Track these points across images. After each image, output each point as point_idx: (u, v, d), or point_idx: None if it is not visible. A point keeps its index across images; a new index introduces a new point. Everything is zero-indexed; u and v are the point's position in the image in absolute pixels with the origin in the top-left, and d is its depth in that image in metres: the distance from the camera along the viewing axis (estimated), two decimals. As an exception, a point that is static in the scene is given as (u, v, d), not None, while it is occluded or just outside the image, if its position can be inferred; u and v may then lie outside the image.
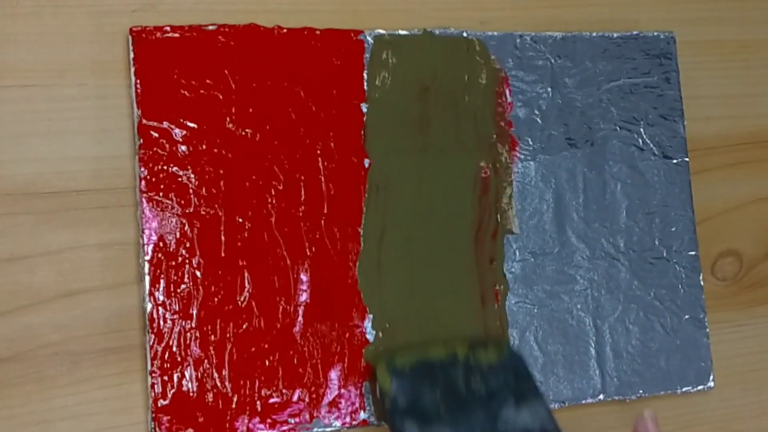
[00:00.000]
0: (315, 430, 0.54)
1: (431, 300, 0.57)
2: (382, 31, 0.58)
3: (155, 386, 0.52)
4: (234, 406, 0.53)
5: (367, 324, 0.56)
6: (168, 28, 0.54)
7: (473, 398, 0.53)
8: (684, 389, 0.61)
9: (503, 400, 0.53)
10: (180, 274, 0.53)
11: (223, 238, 0.54)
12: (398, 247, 0.57)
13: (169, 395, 0.52)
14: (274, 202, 0.55)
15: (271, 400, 0.53)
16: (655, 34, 0.64)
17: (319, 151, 0.56)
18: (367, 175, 0.57)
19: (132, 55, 0.53)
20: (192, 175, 0.54)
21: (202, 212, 0.54)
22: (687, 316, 0.62)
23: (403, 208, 0.57)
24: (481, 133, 0.59)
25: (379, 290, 0.56)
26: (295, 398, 0.54)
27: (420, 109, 0.58)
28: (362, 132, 0.57)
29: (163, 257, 0.53)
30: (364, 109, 0.57)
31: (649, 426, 0.53)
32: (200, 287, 0.53)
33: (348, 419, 0.55)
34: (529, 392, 0.54)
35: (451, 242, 0.58)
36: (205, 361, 0.53)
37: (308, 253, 0.55)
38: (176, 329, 0.52)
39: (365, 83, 0.57)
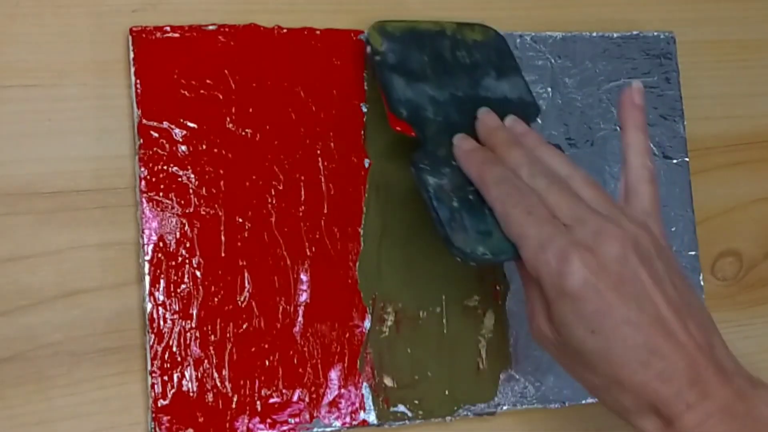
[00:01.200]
0: (315, 430, 0.54)
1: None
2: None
3: (155, 386, 0.52)
4: (234, 406, 0.53)
5: (367, 324, 0.56)
6: (168, 28, 0.54)
7: (457, 65, 0.56)
8: (684, 389, 0.61)
9: (485, 71, 0.57)
10: (180, 274, 0.53)
11: (223, 238, 0.54)
12: (398, 247, 0.57)
13: (169, 395, 0.52)
14: (274, 202, 0.55)
15: (271, 400, 0.53)
16: (655, 34, 0.64)
17: (319, 151, 0.56)
18: (367, 175, 0.57)
19: (132, 55, 0.54)
20: (192, 175, 0.54)
21: (202, 212, 0.54)
22: (687, 316, 0.62)
23: (403, 208, 0.57)
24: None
25: (379, 290, 0.56)
26: (295, 398, 0.54)
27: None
28: (362, 132, 0.57)
29: (163, 257, 0.53)
30: (364, 109, 0.57)
31: (635, 97, 0.51)
32: (200, 287, 0.53)
33: (348, 419, 0.55)
34: (510, 69, 0.57)
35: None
36: (205, 361, 0.53)
37: (308, 253, 0.55)
38: (176, 329, 0.52)
39: (365, 83, 0.58)
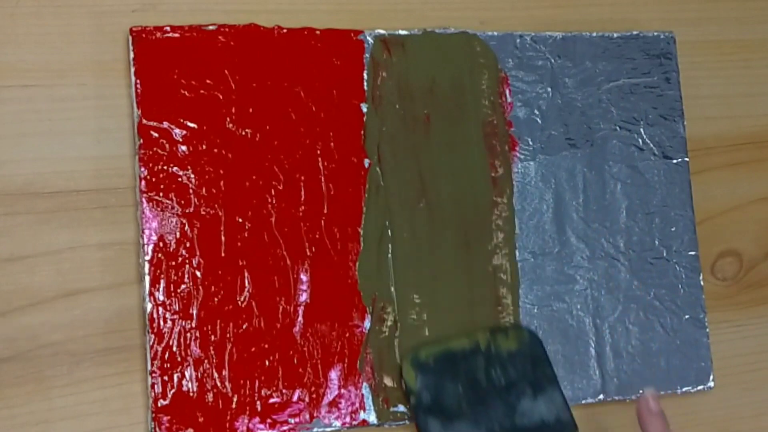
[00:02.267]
0: (315, 430, 0.54)
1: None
2: (382, 31, 0.58)
3: (155, 386, 0.52)
4: (234, 406, 0.53)
5: (367, 324, 0.56)
6: (168, 28, 0.54)
7: (493, 390, 0.55)
8: (684, 389, 0.61)
9: (521, 390, 0.55)
10: (180, 274, 0.53)
11: (223, 238, 0.54)
12: (398, 247, 0.57)
13: (169, 395, 0.52)
14: (274, 202, 0.55)
15: (271, 400, 0.53)
16: (655, 34, 0.64)
17: (319, 151, 0.56)
18: (367, 175, 0.57)
19: (132, 55, 0.54)
20: (192, 175, 0.54)
21: (202, 212, 0.54)
22: (687, 316, 0.62)
23: (403, 208, 0.57)
24: (482, 132, 0.59)
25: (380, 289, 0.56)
26: (295, 398, 0.54)
27: (420, 109, 0.58)
28: (362, 132, 0.57)
29: (163, 257, 0.53)
30: (364, 109, 0.57)
31: (651, 404, 0.54)
32: (200, 287, 0.53)
33: (348, 419, 0.55)
34: (545, 380, 0.56)
35: (453, 241, 0.58)
36: (205, 361, 0.53)
37: (308, 253, 0.55)
38: (176, 329, 0.52)
39: (365, 83, 0.57)
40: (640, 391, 0.54)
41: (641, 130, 0.63)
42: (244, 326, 0.53)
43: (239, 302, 0.54)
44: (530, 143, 0.60)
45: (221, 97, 0.55)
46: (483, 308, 0.58)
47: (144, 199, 0.53)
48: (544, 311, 0.59)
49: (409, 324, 0.57)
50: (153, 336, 0.52)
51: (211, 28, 0.55)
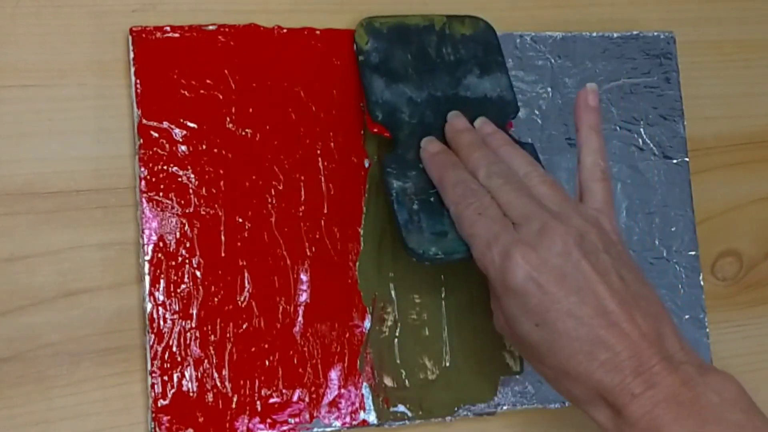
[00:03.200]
0: (315, 430, 0.54)
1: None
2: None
3: (155, 386, 0.52)
4: (234, 406, 0.53)
5: (367, 324, 0.56)
6: (168, 28, 0.54)
7: (441, 63, 0.57)
8: (684, 389, 0.61)
9: (468, 68, 0.57)
10: (180, 274, 0.53)
11: (223, 238, 0.54)
12: (398, 247, 0.57)
13: (169, 395, 0.52)
14: (274, 202, 0.55)
15: (271, 400, 0.53)
16: (655, 34, 0.64)
17: (319, 151, 0.56)
18: (367, 175, 0.57)
19: (132, 55, 0.54)
20: (192, 175, 0.54)
21: (202, 212, 0.54)
22: (687, 316, 0.62)
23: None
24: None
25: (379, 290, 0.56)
26: (295, 398, 0.54)
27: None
28: (362, 132, 0.57)
29: (163, 257, 0.53)
30: (365, 110, 0.57)
31: (590, 98, 0.53)
32: (200, 287, 0.53)
33: (348, 419, 0.55)
34: (494, 64, 0.58)
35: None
36: (205, 361, 0.53)
37: (308, 253, 0.55)
38: (176, 329, 0.52)
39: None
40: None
41: (641, 130, 0.63)
42: (244, 326, 0.53)
43: (239, 302, 0.54)
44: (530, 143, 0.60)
45: (221, 97, 0.55)
46: (481, 305, 0.58)
47: (144, 199, 0.53)
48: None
49: (409, 324, 0.57)
50: (153, 336, 0.52)
51: (211, 28, 0.55)
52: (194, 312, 0.53)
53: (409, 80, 0.56)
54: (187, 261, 0.53)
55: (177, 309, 0.53)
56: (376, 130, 0.55)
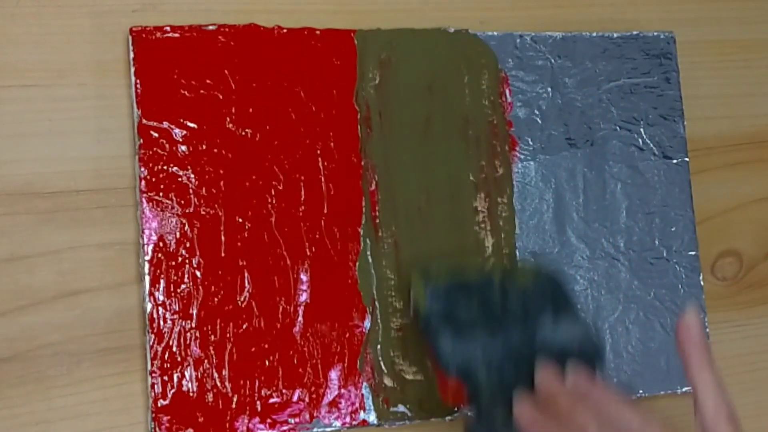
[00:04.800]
0: (315, 430, 0.54)
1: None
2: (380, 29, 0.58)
3: (155, 386, 0.52)
4: (234, 406, 0.53)
5: (367, 324, 0.56)
6: (168, 28, 0.54)
7: (509, 316, 0.52)
8: (684, 389, 0.61)
9: (541, 317, 0.52)
10: (180, 274, 0.53)
11: (223, 238, 0.54)
12: (399, 247, 0.57)
13: (169, 395, 0.52)
14: (274, 202, 0.55)
15: (271, 400, 0.53)
16: (655, 34, 0.64)
17: (319, 151, 0.56)
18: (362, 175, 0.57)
19: (132, 55, 0.54)
20: (192, 175, 0.54)
21: (202, 212, 0.54)
22: (687, 316, 0.62)
23: (404, 208, 0.57)
24: (481, 132, 0.59)
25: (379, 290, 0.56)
26: (295, 398, 0.54)
27: (420, 109, 0.58)
28: (361, 133, 0.57)
29: (163, 257, 0.53)
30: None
31: (693, 332, 0.47)
32: (200, 287, 0.53)
33: (348, 419, 0.55)
34: (567, 309, 0.53)
35: (453, 242, 0.58)
36: (205, 361, 0.53)
37: (308, 253, 0.55)
38: (176, 329, 0.52)
39: (364, 83, 0.57)
40: (685, 311, 0.47)
41: (641, 130, 0.63)
42: (244, 326, 0.53)
43: (239, 302, 0.54)
44: (530, 143, 0.60)
45: (221, 97, 0.55)
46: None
47: (144, 199, 0.53)
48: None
49: (409, 324, 0.56)
50: (153, 336, 0.52)
51: (211, 28, 0.55)
52: (194, 312, 0.53)
53: (480, 329, 0.51)
54: (187, 261, 0.53)
55: (177, 309, 0.53)
56: (450, 396, 0.52)
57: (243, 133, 0.55)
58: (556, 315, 0.52)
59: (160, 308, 0.52)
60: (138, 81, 0.53)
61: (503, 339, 0.51)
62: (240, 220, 0.54)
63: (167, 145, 0.53)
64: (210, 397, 0.52)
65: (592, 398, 0.49)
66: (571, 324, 0.52)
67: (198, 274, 0.53)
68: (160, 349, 0.52)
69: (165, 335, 0.52)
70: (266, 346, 0.54)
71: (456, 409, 0.53)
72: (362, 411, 0.55)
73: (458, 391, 0.51)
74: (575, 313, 0.53)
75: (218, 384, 0.53)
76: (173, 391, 0.52)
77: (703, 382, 0.46)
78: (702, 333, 0.47)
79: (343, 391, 0.55)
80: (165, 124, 0.54)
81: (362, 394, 0.55)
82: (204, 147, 0.54)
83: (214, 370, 0.53)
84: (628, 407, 0.48)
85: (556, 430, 0.48)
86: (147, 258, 0.52)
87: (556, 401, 0.49)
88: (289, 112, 0.56)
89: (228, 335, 0.53)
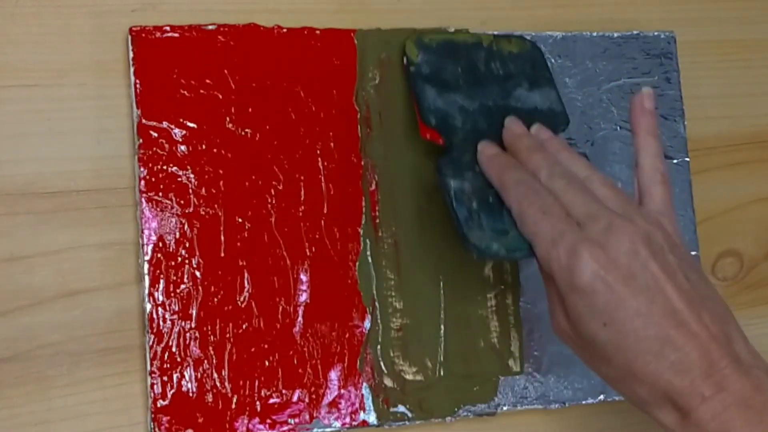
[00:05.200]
0: (315, 430, 0.54)
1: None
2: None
3: (155, 386, 0.52)
4: (234, 406, 0.53)
5: (367, 324, 0.56)
6: (168, 28, 0.54)
7: (491, 76, 0.57)
8: (684, 389, 0.61)
9: (518, 82, 0.57)
10: (180, 274, 0.53)
11: (222, 238, 0.54)
12: (399, 248, 0.57)
13: (169, 395, 0.52)
14: (274, 202, 0.55)
15: (271, 401, 0.53)
16: (655, 34, 0.64)
17: (319, 151, 0.56)
18: (362, 178, 0.57)
19: (132, 55, 0.54)
20: (192, 175, 0.54)
21: (202, 212, 0.54)
22: (687, 316, 0.62)
23: (405, 209, 0.57)
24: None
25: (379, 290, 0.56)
26: (295, 398, 0.54)
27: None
28: (361, 133, 0.57)
29: (162, 257, 0.53)
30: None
31: (645, 102, 0.53)
32: (200, 287, 0.53)
33: (348, 419, 0.55)
34: (543, 80, 0.58)
35: (453, 242, 0.58)
36: (205, 361, 0.53)
37: (308, 253, 0.55)
38: (176, 329, 0.52)
39: (364, 83, 0.57)
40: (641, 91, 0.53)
41: (641, 130, 0.63)
42: (244, 326, 0.53)
43: (239, 302, 0.54)
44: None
45: (221, 97, 0.55)
46: (482, 306, 0.58)
47: (144, 199, 0.53)
48: (545, 311, 0.59)
49: (409, 324, 0.56)
50: (153, 336, 0.52)
51: (211, 28, 0.55)
52: (194, 312, 0.53)
53: (461, 90, 0.56)
54: (186, 261, 0.53)
55: (177, 309, 0.53)
56: (428, 136, 0.55)
57: (243, 133, 0.55)
58: (533, 81, 0.58)
59: (159, 308, 0.52)
60: (138, 81, 0.53)
61: (481, 95, 0.56)
62: (240, 220, 0.54)
63: (167, 145, 0.53)
64: (210, 397, 0.52)
65: (549, 148, 0.53)
66: (544, 90, 0.58)
67: (198, 274, 0.53)
68: (159, 349, 0.52)
69: (165, 335, 0.52)
70: (266, 346, 0.54)
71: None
72: (362, 411, 0.55)
73: (435, 137, 0.55)
74: (551, 83, 0.58)
75: (218, 384, 0.53)
76: (173, 391, 0.52)
77: (646, 147, 0.52)
78: (653, 106, 0.52)
79: (343, 391, 0.55)
80: (164, 124, 0.54)
81: (362, 395, 0.55)
82: (204, 147, 0.54)
83: (213, 371, 0.53)
84: (579, 158, 0.52)
85: (512, 165, 0.52)
86: (147, 258, 0.52)
87: (517, 143, 0.54)
88: (289, 111, 0.56)
89: (228, 335, 0.53)
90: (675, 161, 0.63)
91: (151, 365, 0.52)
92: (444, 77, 0.56)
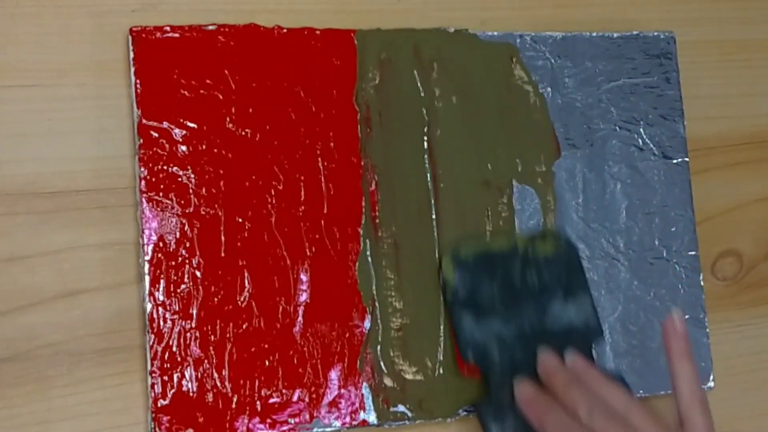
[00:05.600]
0: (315, 430, 0.54)
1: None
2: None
3: (155, 386, 0.52)
4: (234, 406, 0.53)
5: (367, 324, 0.56)
6: (168, 28, 0.54)
7: (526, 292, 0.57)
8: (684, 389, 0.61)
9: (553, 293, 0.57)
10: (180, 274, 0.53)
11: (223, 238, 0.54)
12: (399, 248, 0.57)
13: (169, 395, 0.52)
14: (274, 202, 0.55)
15: (271, 400, 0.53)
16: (655, 34, 0.64)
17: (319, 151, 0.56)
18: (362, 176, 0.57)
19: (132, 55, 0.54)
20: (192, 175, 0.54)
21: (202, 212, 0.54)
22: (687, 316, 0.62)
23: (404, 209, 0.57)
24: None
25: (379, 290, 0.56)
26: (295, 398, 0.54)
27: (419, 109, 0.58)
28: (361, 134, 0.57)
29: (163, 257, 0.53)
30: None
31: (677, 325, 0.53)
32: (200, 287, 0.53)
33: (348, 419, 0.55)
34: (577, 286, 0.58)
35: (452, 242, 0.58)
36: (205, 361, 0.53)
37: (308, 253, 0.55)
38: (176, 329, 0.52)
39: (364, 83, 0.57)
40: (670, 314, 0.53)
41: (641, 130, 0.63)
42: (244, 326, 0.53)
43: (239, 302, 0.54)
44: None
45: (221, 97, 0.55)
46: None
47: (144, 199, 0.53)
48: (544, 311, 0.59)
49: (410, 324, 0.56)
50: (153, 336, 0.52)
51: (211, 28, 0.55)
52: (194, 312, 0.53)
53: (497, 313, 0.56)
54: (187, 261, 0.53)
55: (177, 309, 0.53)
56: (466, 371, 0.56)
57: (243, 133, 0.55)
58: (568, 290, 0.58)
59: (160, 308, 0.52)
60: (138, 81, 0.53)
61: (517, 317, 0.56)
62: (240, 220, 0.54)
63: (167, 145, 0.53)
64: (210, 397, 0.52)
65: (586, 381, 0.53)
66: (579, 300, 0.58)
67: (198, 274, 0.53)
68: (159, 349, 0.52)
69: (165, 335, 0.52)
70: (266, 346, 0.54)
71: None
72: (362, 411, 0.55)
73: (474, 372, 0.56)
74: (585, 290, 0.58)
75: (218, 384, 0.53)
76: (173, 391, 0.52)
77: (682, 373, 0.52)
78: (685, 328, 0.52)
79: (343, 391, 0.55)
80: (165, 124, 0.54)
81: (362, 394, 0.55)
82: (204, 147, 0.54)
83: (214, 370, 0.53)
84: (616, 388, 0.53)
85: (551, 408, 0.53)
86: (147, 258, 0.52)
87: (553, 380, 0.54)
88: (289, 112, 0.56)
89: (228, 335, 0.53)
90: (675, 161, 0.63)
91: (152, 365, 0.52)
92: (480, 300, 0.56)
